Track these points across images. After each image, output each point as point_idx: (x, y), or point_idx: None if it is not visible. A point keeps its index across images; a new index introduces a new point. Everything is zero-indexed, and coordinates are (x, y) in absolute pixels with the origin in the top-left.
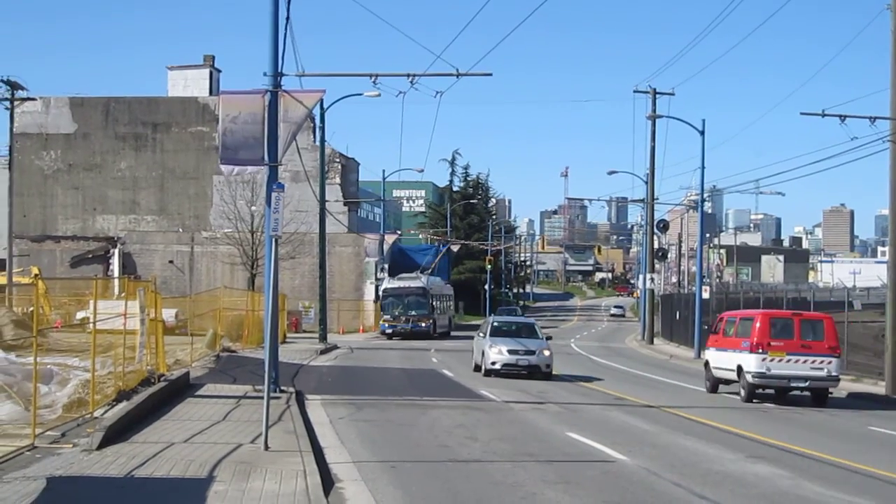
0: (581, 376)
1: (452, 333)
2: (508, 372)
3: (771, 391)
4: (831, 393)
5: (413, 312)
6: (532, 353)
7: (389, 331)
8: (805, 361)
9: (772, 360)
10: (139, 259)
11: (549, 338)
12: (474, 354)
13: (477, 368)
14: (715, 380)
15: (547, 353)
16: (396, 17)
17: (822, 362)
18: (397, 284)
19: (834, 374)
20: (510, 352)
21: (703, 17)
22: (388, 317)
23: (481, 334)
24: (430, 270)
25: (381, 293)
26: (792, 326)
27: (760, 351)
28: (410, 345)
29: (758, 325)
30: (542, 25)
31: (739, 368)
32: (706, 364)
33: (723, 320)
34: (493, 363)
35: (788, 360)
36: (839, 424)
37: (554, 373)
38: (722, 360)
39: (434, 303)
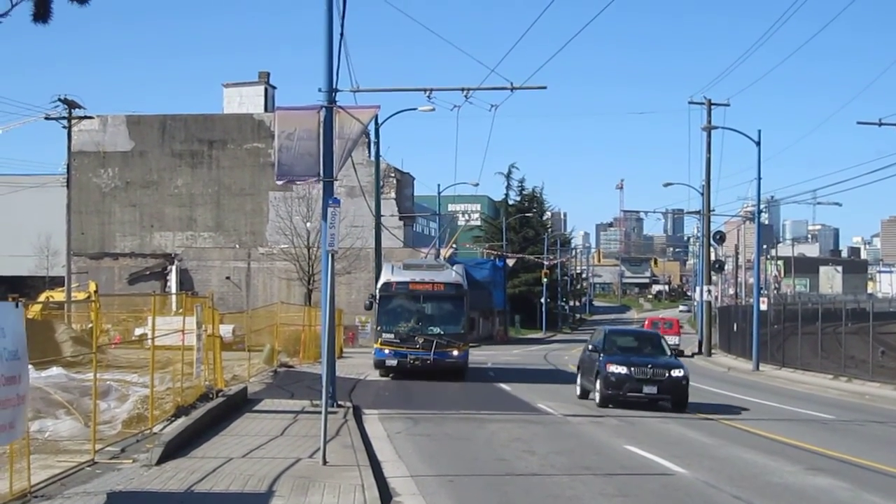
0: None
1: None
2: None
3: None
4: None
5: (437, 330)
6: None
7: (392, 362)
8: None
9: None
10: (196, 275)
11: None
12: None
13: None
14: None
15: None
16: (450, 31)
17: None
18: (409, 277)
19: (677, 343)
20: None
21: (756, 31)
22: (391, 336)
23: None
24: (447, 253)
25: (377, 290)
26: (658, 322)
27: None
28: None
29: (646, 322)
30: (595, 39)
31: None
32: None
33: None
34: None
35: None
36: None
37: None
38: None
39: (470, 313)
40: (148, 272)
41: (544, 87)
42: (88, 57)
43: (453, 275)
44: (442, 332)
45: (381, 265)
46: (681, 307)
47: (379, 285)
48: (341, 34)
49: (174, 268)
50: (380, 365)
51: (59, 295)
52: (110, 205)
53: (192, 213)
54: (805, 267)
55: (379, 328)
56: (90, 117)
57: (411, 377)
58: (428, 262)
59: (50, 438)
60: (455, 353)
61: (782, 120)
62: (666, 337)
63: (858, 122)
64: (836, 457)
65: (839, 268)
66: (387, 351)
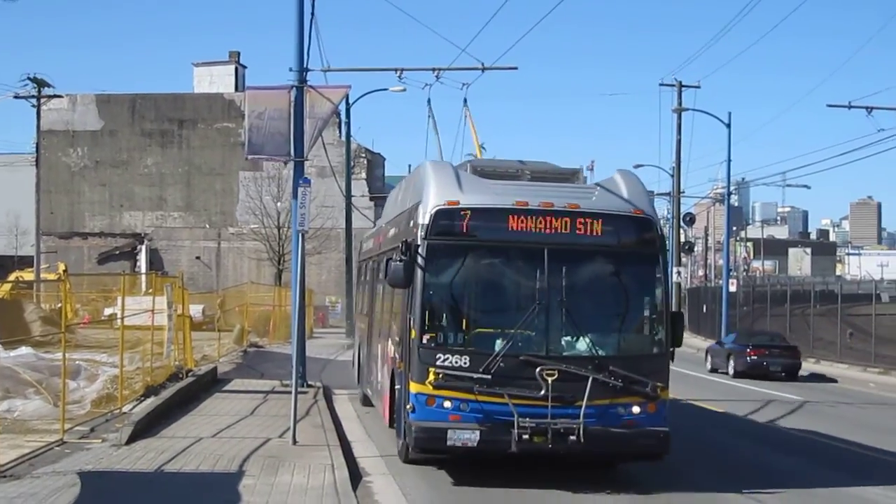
0: None
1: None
2: None
3: None
4: None
5: (588, 346)
6: None
7: (468, 436)
8: None
9: None
10: (166, 255)
11: None
12: None
13: None
14: None
15: None
16: (421, 11)
17: None
18: (508, 196)
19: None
20: None
21: (728, 12)
22: (456, 359)
23: None
24: None
25: (420, 232)
26: None
27: None
28: None
29: None
30: (567, 20)
31: None
32: None
33: None
34: None
35: None
36: (869, 417)
37: None
38: None
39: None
40: (117, 252)
41: (515, 68)
42: (59, 37)
43: (625, 193)
44: (605, 354)
45: (352, 245)
46: None
47: (425, 219)
48: (312, 13)
49: (144, 247)
50: (431, 441)
51: (28, 275)
52: (79, 184)
53: (161, 192)
54: (774, 249)
55: (425, 337)
56: (59, 96)
57: (511, 478)
58: (536, 166)
59: (19, 418)
60: (636, 409)
61: (754, 101)
62: None
63: (828, 105)
64: (807, 437)
65: (808, 250)
66: (448, 405)
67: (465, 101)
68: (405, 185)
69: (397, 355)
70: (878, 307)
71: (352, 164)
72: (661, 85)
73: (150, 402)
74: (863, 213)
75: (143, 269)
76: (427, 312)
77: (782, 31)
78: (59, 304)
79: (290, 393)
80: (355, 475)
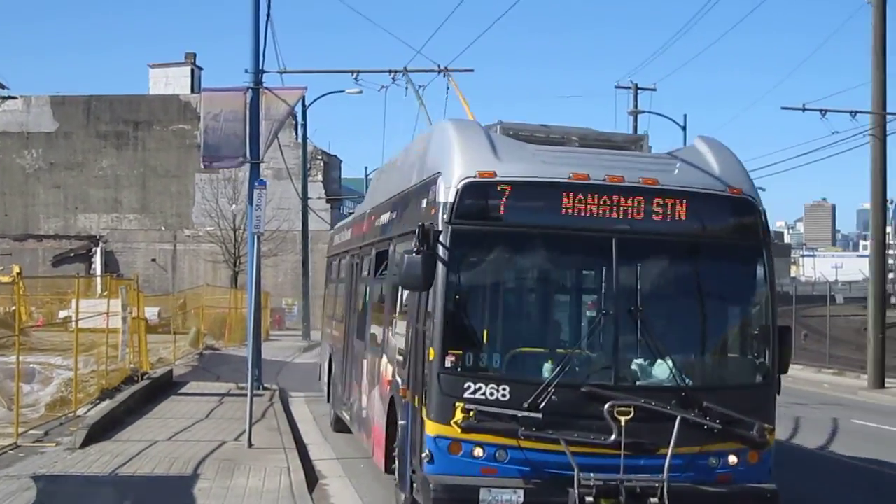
0: None
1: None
2: None
3: None
4: None
5: (670, 372)
6: None
7: (508, 498)
8: None
9: None
10: (121, 257)
11: None
12: None
13: None
14: None
15: None
16: (378, 14)
17: None
18: (563, 167)
19: None
20: None
21: (685, 13)
22: (493, 389)
23: None
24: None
25: (442, 212)
26: None
27: None
28: None
29: None
30: (523, 22)
31: None
32: None
33: None
34: None
35: None
36: (819, 417)
37: None
38: None
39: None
40: (72, 254)
41: (471, 70)
42: (13, 38)
43: (714, 167)
44: (694, 384)
45: (308, 247)
46: None
47: (448, 196)
48: (268, 15)
49: (99, 250)
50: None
51: None
52: (34, 186)
53: (117, 194)
54: None
55: (449, 359)
56: (14, 97)
57: None
58: (583, 131)
59: None
60: (732, 458)
61: (711, 101)
62: None
63: (783, 108)
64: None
65: None
66: (480, 453)
67: (448, 71)
68: (408, 154)
69: (400, 379)
70: (833, 308)
71: (308, 166)
72: (616, 87)
73: (105, 406)
74: (817, 215)
75: (98, 272)
76: (453, 324)
77: (741, 30)
78: (13, 307)
79: (245, 396)
80: (311, 478)
